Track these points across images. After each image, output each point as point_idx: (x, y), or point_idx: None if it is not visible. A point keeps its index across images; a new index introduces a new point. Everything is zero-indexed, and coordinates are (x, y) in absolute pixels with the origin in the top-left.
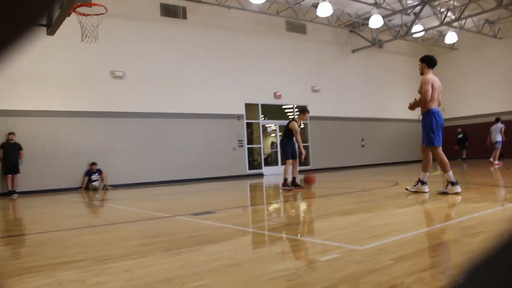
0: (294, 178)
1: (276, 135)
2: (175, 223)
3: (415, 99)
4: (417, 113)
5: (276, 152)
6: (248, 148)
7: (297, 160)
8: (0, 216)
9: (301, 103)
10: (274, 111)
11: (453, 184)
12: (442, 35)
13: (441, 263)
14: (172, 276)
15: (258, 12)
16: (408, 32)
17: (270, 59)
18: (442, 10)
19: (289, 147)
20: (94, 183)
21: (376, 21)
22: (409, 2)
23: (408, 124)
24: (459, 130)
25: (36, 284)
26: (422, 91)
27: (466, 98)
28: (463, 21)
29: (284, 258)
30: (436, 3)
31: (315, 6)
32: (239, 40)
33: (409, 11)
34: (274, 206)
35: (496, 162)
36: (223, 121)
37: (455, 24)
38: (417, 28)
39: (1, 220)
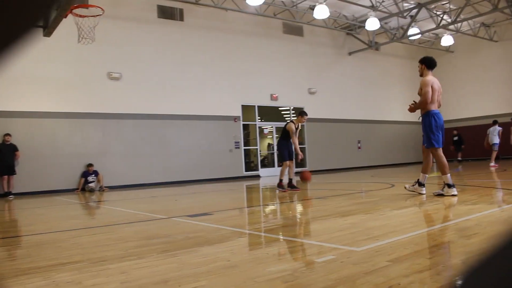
0: (290, 180)
1: (272, 137)
2: (171, 224)
3: (414, 101)
4: (416, 115)
5: (273, 153)
6: (244, 149)
7: (294, 161)
8: None
9: (298, 105)
10: (270, 113)
11: (449, 186)
12: (438, 38)
13: (437, 265)
14: (168, 278)
15: (255, 14)
16: (404, 34)
17: (267, 61)
18: (438, 13)
19: (286, 148)
20: (90, 185)
21: (372, 24)
22: (405, 5)
23: (404, 126)
24: (455, 132)
25: (33, 286)
26: (422, 93)
27: (462, 100)
28: (459, 24)
29: (281, 260)
30: (433, 6)
31: (312, 8)
32: (236, 42)
33: (405, 14)
34: (270, 207)
35: (492, 164)
36: (219, 122)
37: (451, 27)
38: (413, 31)
39: None
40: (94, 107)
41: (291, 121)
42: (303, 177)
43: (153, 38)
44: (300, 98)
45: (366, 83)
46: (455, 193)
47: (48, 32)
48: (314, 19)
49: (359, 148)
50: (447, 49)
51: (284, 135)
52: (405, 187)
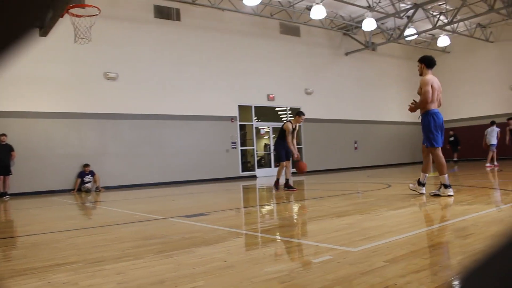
0: (287, 180)
1: (269, 137)
2: (168, 225)
3: (414, 100)
4: (416, 115)
5: (269, 154)
6: (241, 150)
7: (290, 161)
8: None
9: (295, 106)
10: (267, 113)
11: (446, 187)
12: (435, 39)
13: (434, 265)
14: (165, 278)
15: (252, 14)
16: (401, 35)
17: (264, 61)
18: (434, 13)
19: (283, 149)
20: (86, 185)
21: (369, 24)
22: (402, 5)
23: (401, 126)
24: (451, 132)
25: (29, 287)
26: (421, 92)
27: (458, 101)
28: (456, 24)
29: (277, 260)
30: (429, 6)
31: (309, 8)
32: (232, 42)
33: (402, 15)
34: (267, 208)
35: (488, 164)
36: (216, 123)
37: (448, 27)
38: (410, 31)
39: None
40: (90, 107)
41: (289, 121)
42: (298, 167)
43: (150, 38)
44: (297, 99)
45: (362, 84)
46: (451, 193)
47: (44, 32)
48: (311, 19)
49: (355, 148)
50: (444, 50)
51: (281, 135)
52: (409, 187)
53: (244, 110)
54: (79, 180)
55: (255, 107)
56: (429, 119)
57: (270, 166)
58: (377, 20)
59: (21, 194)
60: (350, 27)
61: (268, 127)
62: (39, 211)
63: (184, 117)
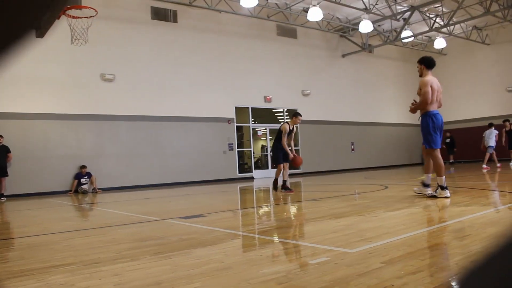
0: (284, 182)
1: (266, 139)
2: (165, 226)
3: (414, 100)
4: (416, 116)
5: (266, 155)
6: (238, 151)
7: (288, 163)
8: None
9: (292, 107)
10: (264, 115)
11: (442, 188)
12: (431, 41)
13: (430, 266)
14: (162, 280)
15: (249, 16)
16: (397, 37)
17: (261, 63)
18: (431, 16)
19: (281, 151)
20: (83, 186)
21: (366, 26)
22: (398, 7)
23: (398, 128)
24: (448, 134)
25: None
26: (421, 93)
27: (455, 103)
28: (452, 27)
29: (275, 261)
30: (425, 9)
31: (306, 10)
32: (229, 44)
33: (398, 17)
34: (264, 209)
35: (485, 166)
36: (213, 124)
37: (444, 30)
38: (406, 33)
39: None
40: (87, 109)
41: (286, 122)
42: (294, 163)
43: (147, 39)
44: (294, 100)
45: (359, 85)
46: (448, 195)
47: (40, 33)
48: (308, 21)
49: (352, 150)
50: (440, 52)
51: (279, 137)
52: (414, 190)
53: (241, 111)
54: (76, 181)
55: (252, 108)
56: (427, 121)
57: (267, 168)
58: (373, 22)
59: (18, 195)
60: (347, 29)
61: (265, 129)
62: (36, 213)
63: (181, 118)
